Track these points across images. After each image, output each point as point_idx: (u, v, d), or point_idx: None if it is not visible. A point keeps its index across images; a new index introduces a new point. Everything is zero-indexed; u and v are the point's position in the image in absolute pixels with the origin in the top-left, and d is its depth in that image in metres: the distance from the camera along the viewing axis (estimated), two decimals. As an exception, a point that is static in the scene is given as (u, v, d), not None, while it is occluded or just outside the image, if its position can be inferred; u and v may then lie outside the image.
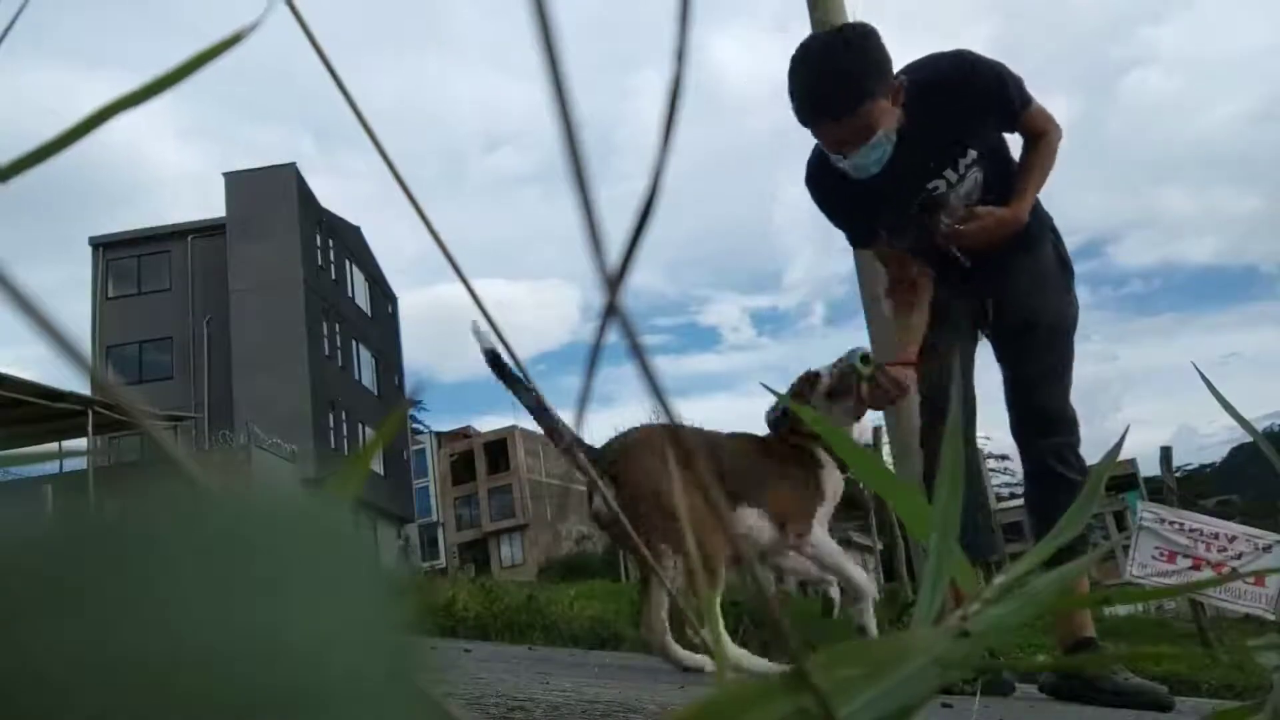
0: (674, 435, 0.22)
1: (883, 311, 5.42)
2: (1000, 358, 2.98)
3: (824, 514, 2.91)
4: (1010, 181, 2.70)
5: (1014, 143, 2.80)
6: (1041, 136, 2.70)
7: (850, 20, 5.92)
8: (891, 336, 3.54)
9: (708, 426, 3.32)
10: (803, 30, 6.00)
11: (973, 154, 2.67)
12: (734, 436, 3.02)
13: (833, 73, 2.44)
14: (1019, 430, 2.90)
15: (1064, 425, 2.86)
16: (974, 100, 2.57)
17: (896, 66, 2.55)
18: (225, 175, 30.45)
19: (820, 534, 2.85)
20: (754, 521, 2.78)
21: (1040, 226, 2.87)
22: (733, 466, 2.78)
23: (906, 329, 2.86)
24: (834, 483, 2.92)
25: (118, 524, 0.15)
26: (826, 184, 2.75)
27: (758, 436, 3.04)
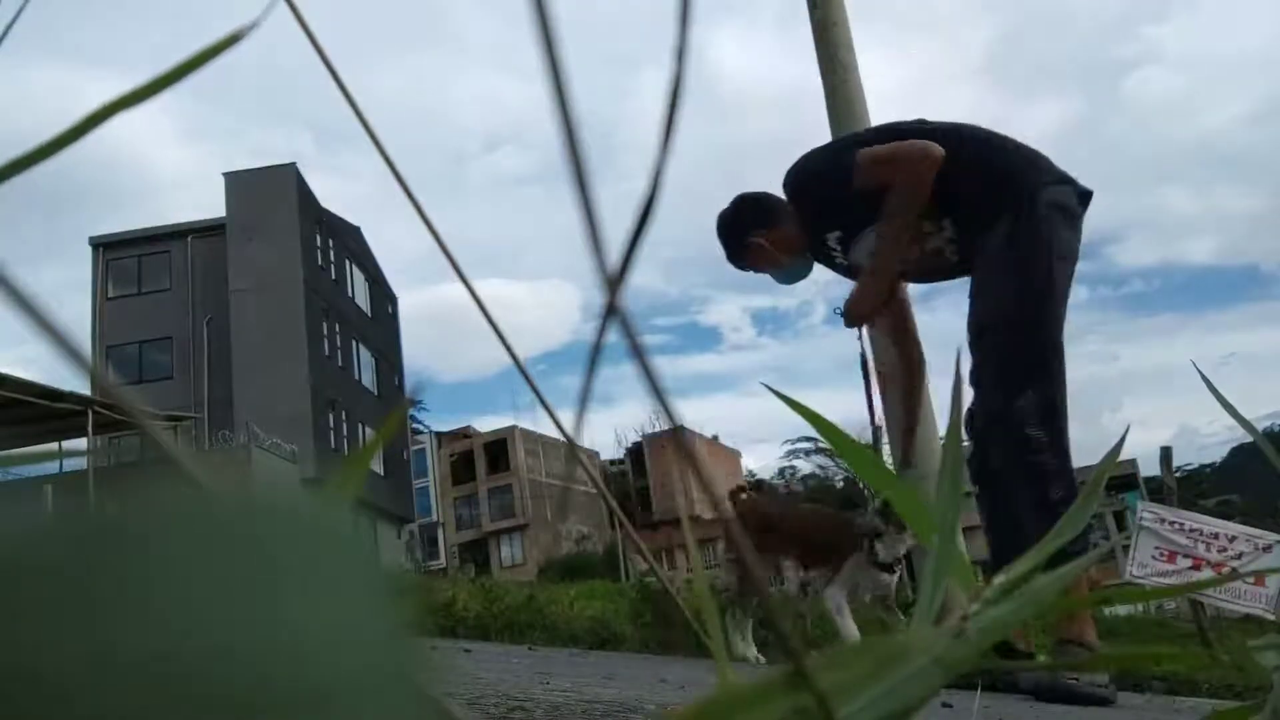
0: (679, 443, 0.22)
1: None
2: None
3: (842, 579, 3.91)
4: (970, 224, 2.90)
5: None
6: (889, 188, 2.80)
7: (847, 18, 5.91)
8: (890, 346, 3.57)
9: (709, 431, 3.70)
10: (803, 30, 5.99)
11: (838, 235, 3.07)
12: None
13: (720, 238, 3.30)
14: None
15: (1003, 424, 2.74)
16: (809, 182, 3.08)
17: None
18: (225, 175, 30.47)
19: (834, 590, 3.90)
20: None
21: (994, 211, 2.81)
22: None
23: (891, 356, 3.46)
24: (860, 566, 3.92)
25: (118, 524, 0.15)
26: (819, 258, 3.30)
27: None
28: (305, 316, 28.83)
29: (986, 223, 2.84)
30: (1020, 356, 2.76)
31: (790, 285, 3.35)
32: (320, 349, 29.68)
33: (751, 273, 3.32)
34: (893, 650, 0.26)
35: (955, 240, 2.95)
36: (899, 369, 3.48)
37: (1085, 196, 2.90)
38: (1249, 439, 0.66)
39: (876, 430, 3.87)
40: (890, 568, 3.91)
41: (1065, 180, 2.88)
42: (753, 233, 3.17)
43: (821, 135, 5.84)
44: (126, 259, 30.58)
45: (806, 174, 3.10)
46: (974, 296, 2.87)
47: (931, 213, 2.91)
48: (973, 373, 2.82)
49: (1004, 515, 2.77)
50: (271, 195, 29.57)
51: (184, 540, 0.15)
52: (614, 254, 0.20)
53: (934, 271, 3.12)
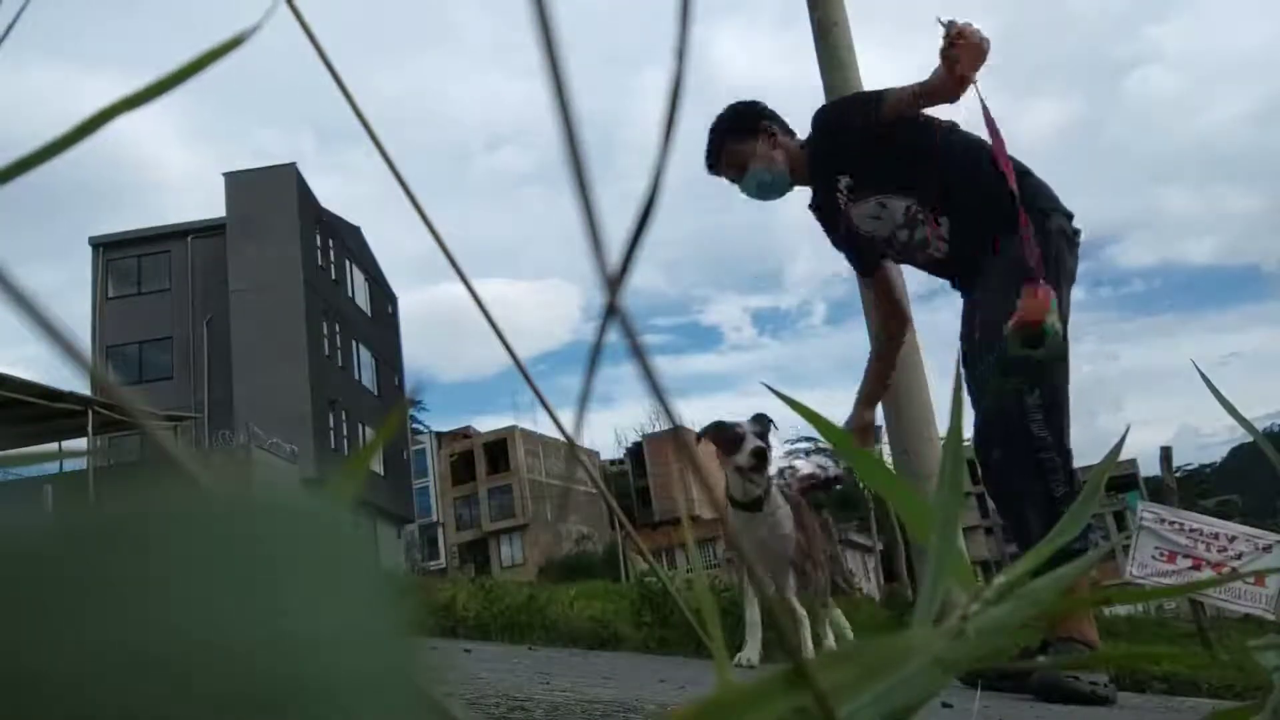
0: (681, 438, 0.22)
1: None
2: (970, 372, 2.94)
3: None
4: (941, 183, 2.97)
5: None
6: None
7: (847, 18, 5.91)
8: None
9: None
10: (804, 29, 6.00)
11: (849, 180, 3.10)
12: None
13: (723, 119, 3.30)
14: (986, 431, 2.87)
15: (1007, 421, 2.77)
16: (833, 119, 3.20)
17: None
18: (225, 175, 30.46)
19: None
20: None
21: (994, 229, 2.85)
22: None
23: (868, 390, 3.47)
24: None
25: (118, 524, 0.15)
26: (816, 214, 3.35)
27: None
28: (305, 316, 28.82)
29: (985, 239, 2.90)
30: (1026, 358, 2.75)
31: (754, 197, 3.29)
32: (320, 349, 29.66)
33: (718, 175, 3.30)
34: (893, 650, 0.26)
35: (947, 240, 3.00)
36: (880, 334, 3.52)
37: (1078, 232, 3.01)
38: (1249, 439, 0.66)
39: (876, 430, 3.90)
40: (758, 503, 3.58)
41: (1068, 214, 2.97)
42: (764, 123, 3.21)
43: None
44: (126, 259, 30.57)
45: (838, 108, 3.26)
46: (979, 307, 2.88)
47: (932, 204, 2.98)
48: (974, 376, 2.83)
49: (1013, 515, 2.80)
50: (271, 195, 29.56)
51: (184, 540, 0.15)
52: (614, 254, 0.20)
53: (914, 256, 3.15)
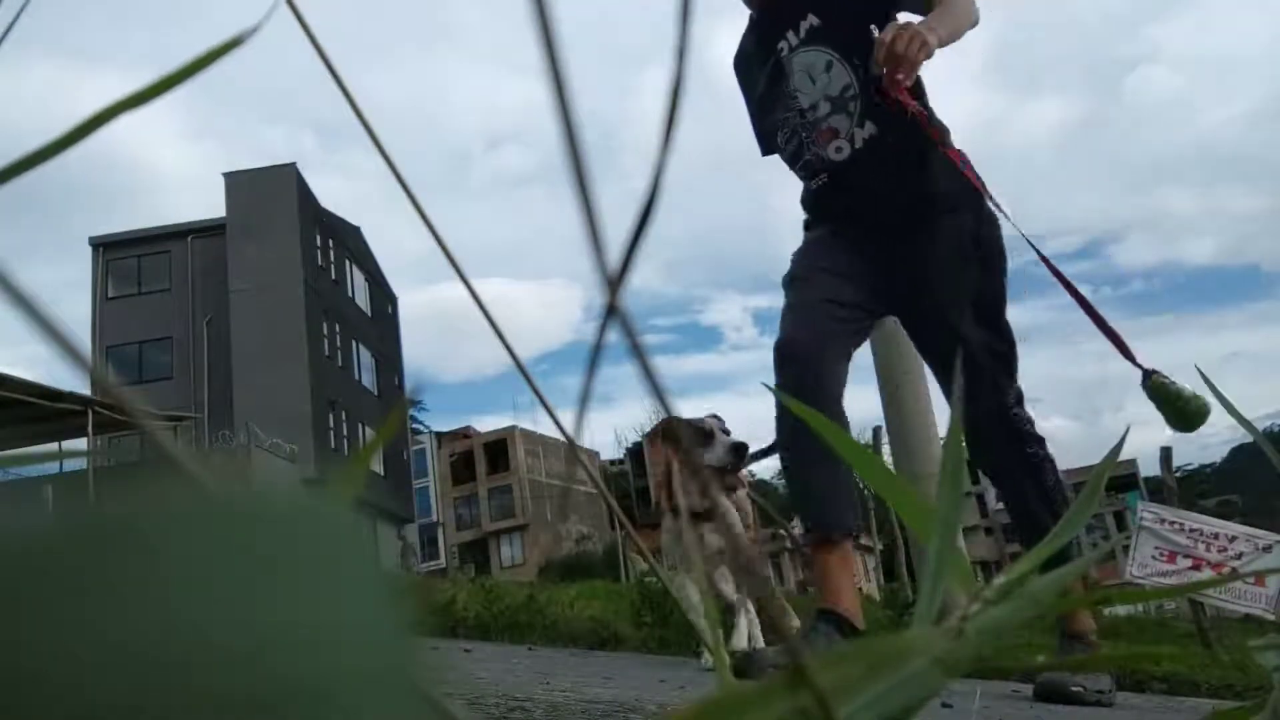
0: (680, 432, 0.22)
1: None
2: (913, 336, 2.77)
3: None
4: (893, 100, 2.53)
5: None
6: None
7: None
8: (894, 338, 3.56)
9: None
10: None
11: (814, 20, 2.65)
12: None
13: None
14: (975, 434, 2.61)
15: (1015, 420, 2.64)
16: None
17: None
18: (225, 175, 30.46)
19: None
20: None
21: (958, 194, 2.61)
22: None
23: None
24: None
25: (118, 524, 0.15)
26: (738, 72, 2.93)
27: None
28: (305, 316, 28.81)
29: (942, 199, 2.61)
30: (1007, 352, 2.67)
31: None
32: (320, 349, 29.66)
33: None
34: (893, 650, 0.26)
35: (853, 148, 2.64)
36: None
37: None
38: (1250, 439, 0.66)
39: (876, 430, 3.82)
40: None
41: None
42: None
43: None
44: (126, 259, 30.56)
45: None
46: (947, 300, 2.63)
47: (870, 102, 2.58)
48: (947, 371, 2.74)
49: (1022, 511, 2.72)
50: (271, 195, 29.56)
51: (184, 540, 0.15)
52: (614, 254, 0.20)
53: (806, 142, 2.73)
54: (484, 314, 0.33)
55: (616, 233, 0.20)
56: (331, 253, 32.15)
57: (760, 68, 2.83)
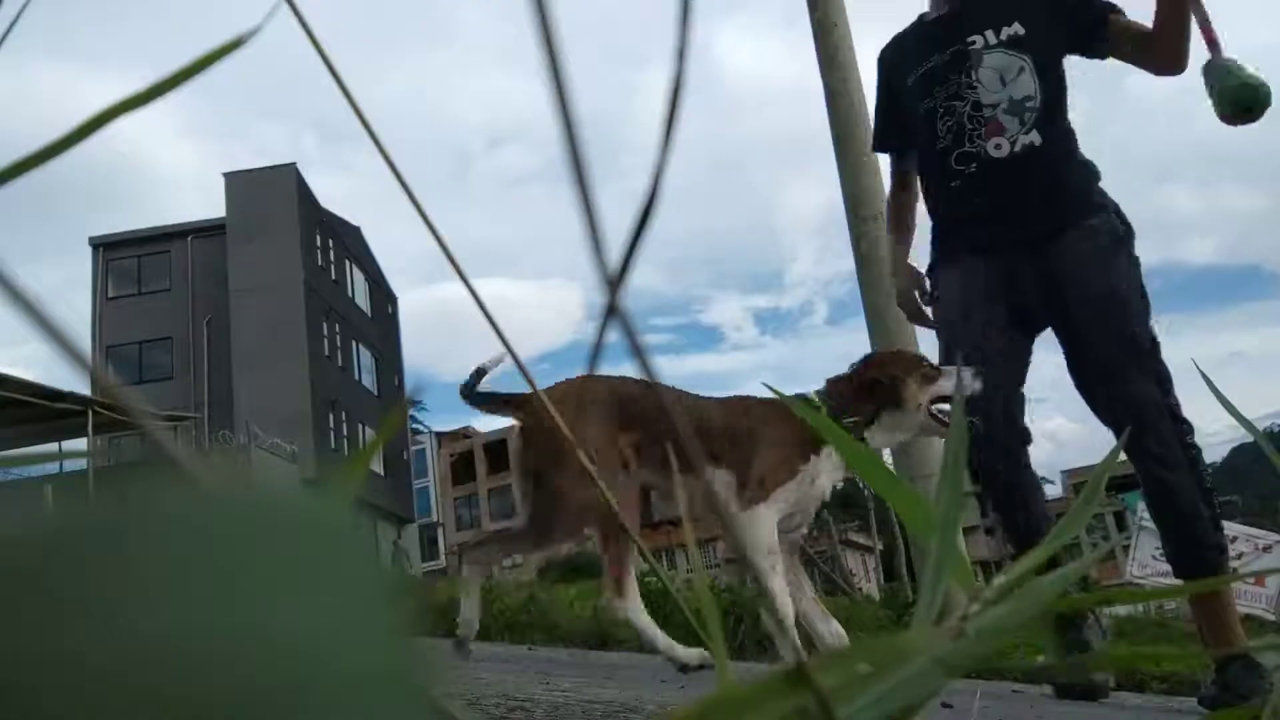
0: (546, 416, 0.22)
1: (882, 314, 5.43)
2: (1069, 342, 2.75)
3: (785, 495, 2.54)
4: (1059, 115, 2.79)
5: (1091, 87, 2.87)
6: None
7: (847, 19, 5.92)
8: (894, 338, 3.56)
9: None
10: (804, 29, 6.00)
11: (1019, 29, 2.78)
12: (729, 400, 2.74)
13: None
14: (1117, 429, 2.62)
15: (1157, 410, 2.59)
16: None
17: None
18: (225, 175, 30.46)
19: (765, 514, 2.49)
20: (721, 485, 2.53)
21: (1096, 203, 2.78)
22: (710, 427, 2.56)
23: (901, 240, 3.17)
24: (821, 473, 2.61)
25: (117, 523, 0.15)
26: (892, 55, 3.04)
27: (765, 401, 2.73)
28: (305, 316, 28.81)
29: (1081, 206, 2.76)
30: (1154, 348, 2.68)
31: None
32: (320, 349, 29.66)
33: None
34: (893, 650, 0.26)
35: (1015, 150, 2.75)
36: (899, 221, 3.21)
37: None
38: (1250, 439, 0.66)
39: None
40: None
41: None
42: None
43: (822, 135, 5.84)
44: (126, 259, 30.56)
45: None
46: (1086, 264, 2.69)
47: (1043, 113, 2.75)
48: (1111, 347, 2.66)
49: (1180, 507, 2.60)
50: (271, 195, 29.56)
51: (183, 540, 0.15)
52: (614, 254, 0.20)
53: (970, 135, 2.82)
54: (484, 314, 0.33)
55: (616, 233, 0.20)
56: (331, 253, 32.15)
57: (933, 53, 2.89)
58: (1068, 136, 2.81)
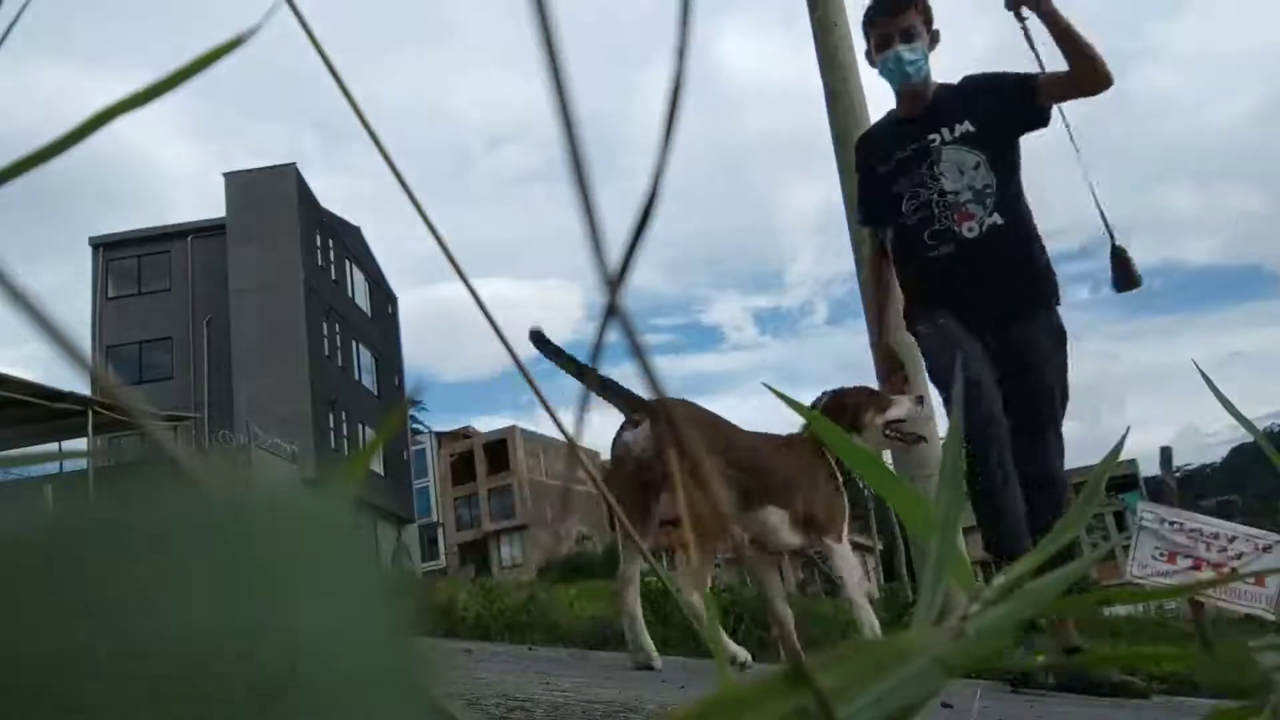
0: (678, 425, 0.22)
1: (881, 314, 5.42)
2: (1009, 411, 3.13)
3: (847, 530, 3.02)
4: (1014, 197, 3.24)
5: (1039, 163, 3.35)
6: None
7: (847, 19, 5.92)
8: (895, 340, 3.62)
9: None
10: (804, 29, 6.00)
11: (969, 127, 3.21)
12: (761, 435, 3.17)
13: None
14: (1027, 497, 3.07)
15: (1064, 495, 3.16)
16: (983, 82, 3.29)
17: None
18: (225, 175, 30.45)
19: (847, 548, 2.96)
20: (776, 521, 2.88)
21: (1054, 291, 3.28)
22: (756, 464, 2.87)
23: (885, 310, 3.59)
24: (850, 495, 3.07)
25: (118, 523, 0.15)
26: (867, 146, 3.51)
27: (787, 436, 3.17)
28: (305, 316, 28.80)
29: (1048, 293, 3.27)
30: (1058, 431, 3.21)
31: (896, 69, 3.31)
32: (320, 349, 29.65)
33: (884, 33, 3.31)
34: (893, 650, 0.26)
35: (981, 231, 3.18)
36: (874, 285, 3.63)
37: None
38: (1250, 439, 0.66)
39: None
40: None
41: None
42: (923, 8, 3.32)
43: (822, 135, 5.84)
44: (126, 259, 30.55)
45: (996, 75, 3.34)
46: (1041, 373, 3.17)
47: (999, 199, 3.18)
48: (1044, 426, 3.16)
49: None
50: (271, 195, 29.54)
51: (184, 540, 0.15)
52: (614, 254, 0.20)
53: (940, 217, 3.25)
54: (484, 314, 0.33)
55: (616, 233, 0.20)
56: (331, 253, 32.14)
57: (899, 148, 3.33)
58: (1027, 216, 3.26)
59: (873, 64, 3.40)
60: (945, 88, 3.35)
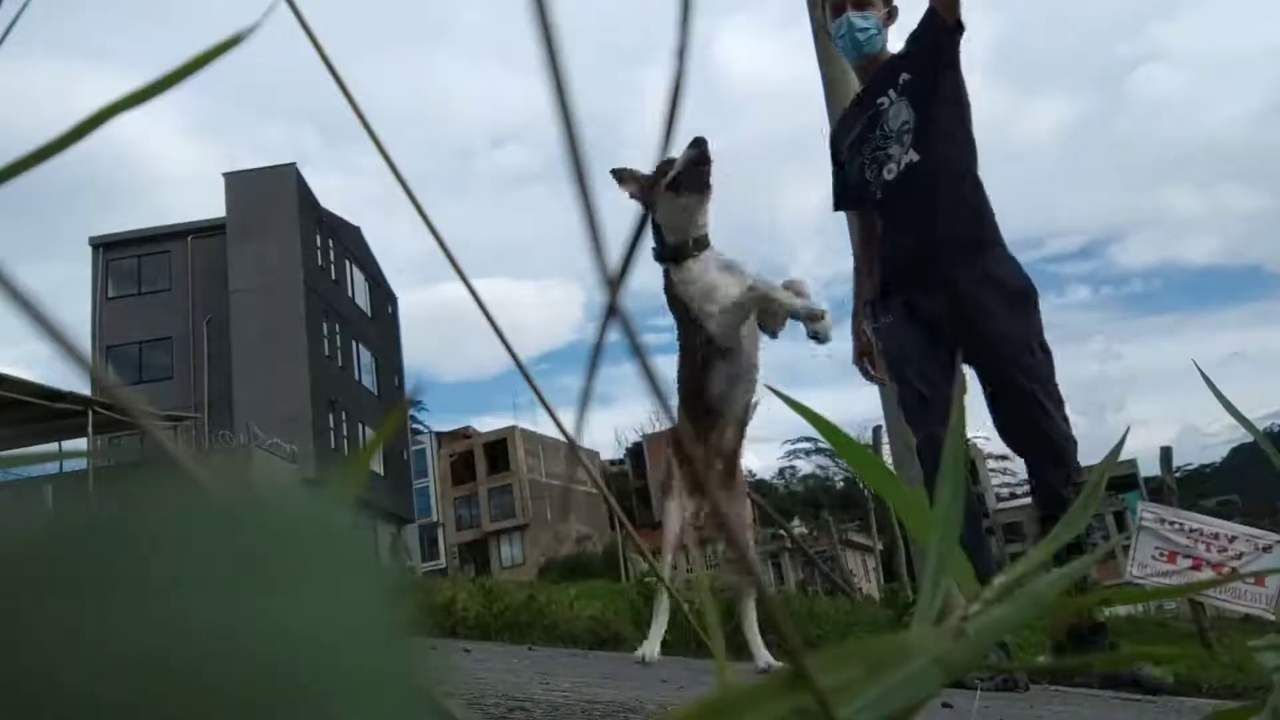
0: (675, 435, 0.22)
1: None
2: (980, 381, 3.07)
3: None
4: (940, 133, 3.14)
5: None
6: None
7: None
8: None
9: None
10: (804, 31, 6.00)
11: (906, 76, 3.16)
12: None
13: None
14: (1029, 456, 3.01)
15: (1071, 451, 3.00)
16: (912, 40, 3.21)
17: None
18: (225, 175, 30.45)
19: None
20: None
21: (986, 234, 3.15)
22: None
23: (862, 285, 3.48)
24: None
25: (118, 523, 0.15)
26: (834, 132, 3.50)
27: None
28: (305, 316, 28.80)
29: (979, 237, 3.14)
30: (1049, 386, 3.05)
31: (846, 41, 3.28)
32: (320, 349, 29.65)
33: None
34: (893, 650, 0.26)
35: (900, 169, 3.13)
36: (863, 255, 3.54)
37: None
38: (1250, 439, 0.66)
39: (876, 430, 3.85)
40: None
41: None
42: None
43: (822, 135, 5.85)
44: (126, 259, 30.55)
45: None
46: (989, 313, 3.03)
47: (920, 133, 3.12)
48: (1022, 388, 3.00)
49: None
50: (271, 195, 29.55)
51: (183, 540, 0.15)
52: (614, 254, 0.20)
53: (869, 162, 3.23)
54: (484, 314, 0.33)
55: (616, 233, 0.20)
56: (331, 253, 32.14)
57: (855, 124, 3.31)
58: (958, 153, 3.18)
59: (830, 36, 3.41)
60: (895, 55, 3.30)
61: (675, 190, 2.87)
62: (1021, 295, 3.08)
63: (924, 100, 3.13)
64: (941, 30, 3.08)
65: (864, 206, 3.33)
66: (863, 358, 3.51)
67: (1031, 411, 2.96)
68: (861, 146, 3.28)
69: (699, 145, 2.87)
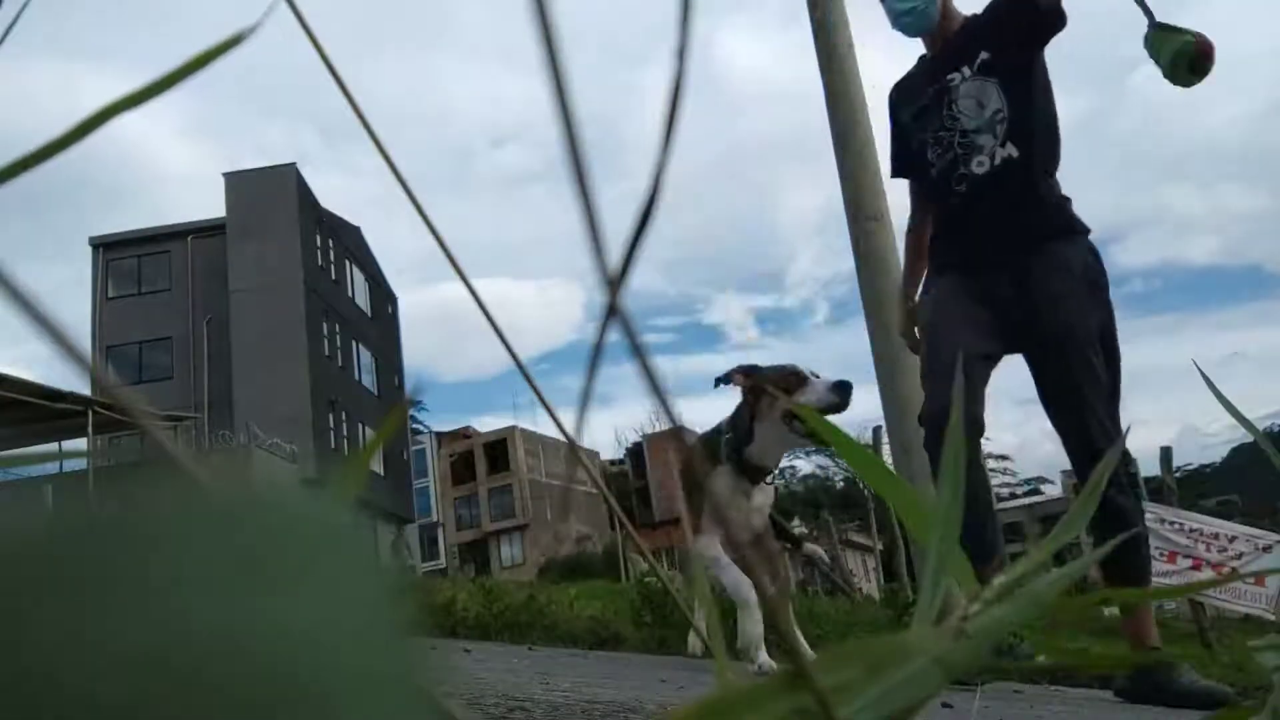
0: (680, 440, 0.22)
1: (882, 311, 5.43)
2: (1035, 371, 2.93)
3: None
4: (1036, 127, 2.97)
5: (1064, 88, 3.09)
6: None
7: (848, 20, 5.92)
8: (893, 337, 3.60)
9: (706, 429, 3.37)
10: (804, 31, 6.00)
11: (985, 55, 3.00)
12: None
13: None
14: (1073, 458, 2.84)
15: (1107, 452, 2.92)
16: (994, 13, 3.04)
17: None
18: (225, 175, 30.45)
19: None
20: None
21: (1071, 223, 2.99)
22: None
23: (913, 275, 3.37)
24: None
25: (118, 523, 0.15)
26: (896, 93, 3.32)
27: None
28: (305, 316, 28.81)
29: (1063, 226, 2.97)
30: (1113, 385, 2.91)
31: (899, 12, 3.13)
32: (320, 349, 29.66)
33: None
34: (893, 650, 0.26)
35: (994, 164, 2.96)
36: (915, 242, 3.40)
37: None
38: (1250, 439, 0.66)
39: (876, 430, 3.82)
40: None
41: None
42: None
43: (822, 135, 5.85)
44: (126, 259, 30.56)
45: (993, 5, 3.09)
46: (1057, 297, 2.86)
47: (1013, 124, 2.95)
48: (1074, 382, 2.83)
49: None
50: (271, 195, 29.56)
51: (183, 540, 0.15)
52: (614, 254, 0.20)
53: (957, 160, 3.03)
54: (484, 314, 0.33)
55: (616, 233, 0.20)
56: (331, 253, 32.15)
57: (924, 94, 3.15)
58: (1046, 152, 3.01)
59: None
60: (971, 19, 3.11)
61: (790, 422, 2.88)
62: (1094, 279, 2.91)
63: (1018, 87, 2.96)
64: (1043, 21, 2.93)
65: (940, 200, 3.13)
66: (910, 328, 3.36)
67: (1088, 418, 2.80)
68: (927, 123, 3.11)
69: (844, 392, 2.88)
